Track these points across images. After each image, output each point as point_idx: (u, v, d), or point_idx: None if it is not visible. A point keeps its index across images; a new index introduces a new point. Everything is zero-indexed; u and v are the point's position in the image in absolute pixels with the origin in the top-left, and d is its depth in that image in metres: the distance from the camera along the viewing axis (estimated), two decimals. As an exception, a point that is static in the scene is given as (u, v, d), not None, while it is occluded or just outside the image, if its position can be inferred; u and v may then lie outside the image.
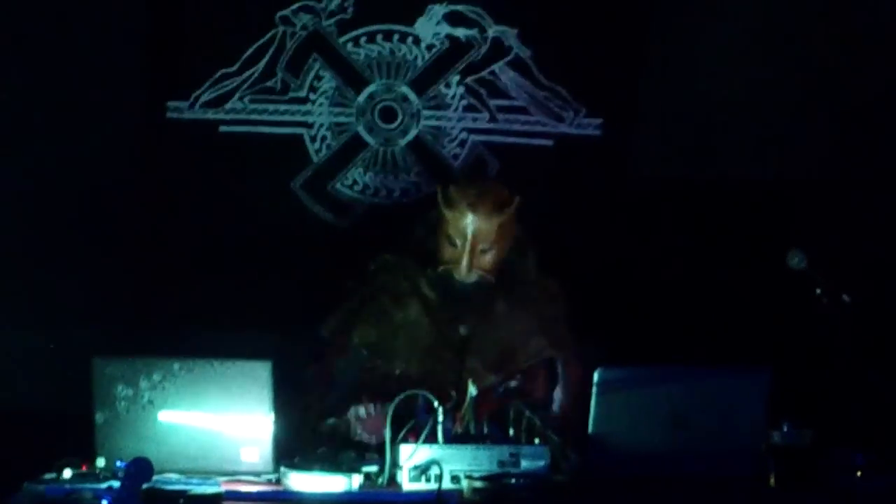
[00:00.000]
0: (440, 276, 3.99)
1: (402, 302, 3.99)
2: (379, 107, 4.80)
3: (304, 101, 4.77)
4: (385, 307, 4.00)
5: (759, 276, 4.57)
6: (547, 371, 4.03)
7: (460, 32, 4.79)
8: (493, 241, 3.98)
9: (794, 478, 3.45)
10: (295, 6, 4.74)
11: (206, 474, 3.45)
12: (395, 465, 3.46)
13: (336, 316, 4.03)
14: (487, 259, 3.99)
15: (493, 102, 4.81)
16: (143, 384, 3.53)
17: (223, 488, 3.32)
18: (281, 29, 4.76)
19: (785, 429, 3.47)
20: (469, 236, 3.97)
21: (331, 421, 3.84)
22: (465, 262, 3.96)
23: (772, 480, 3.46)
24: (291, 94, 4.77)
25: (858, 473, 3.55)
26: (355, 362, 3.96)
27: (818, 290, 3.75)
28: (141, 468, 3.01)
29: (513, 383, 3.96)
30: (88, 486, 3.31)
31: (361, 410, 3.75)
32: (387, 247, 4.12)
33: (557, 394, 3.98)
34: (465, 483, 3.38)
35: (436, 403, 3.51)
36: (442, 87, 4.81)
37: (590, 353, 4.04)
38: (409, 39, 4.78)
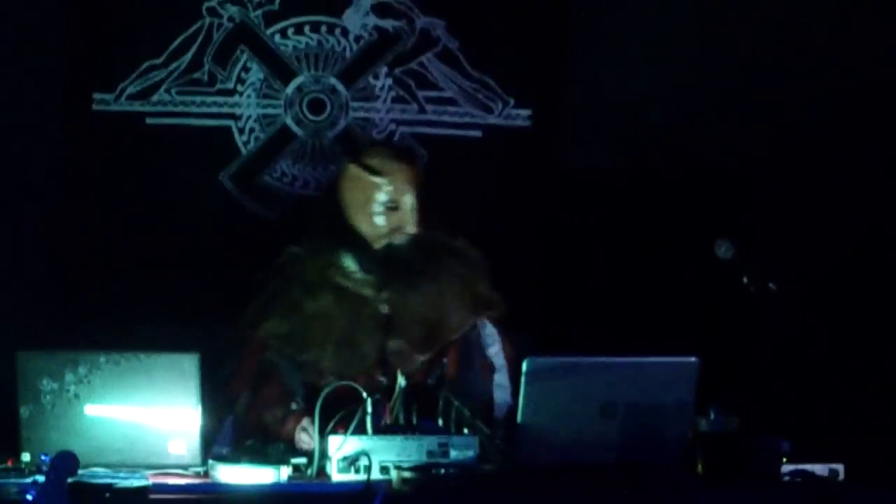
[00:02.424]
0: (381, 252, 3.94)
1: (313, 292, 3.95)
2: (307, 98, 4.78)
3: (232, 92, 4.75)
4: (295, 299, 3.94)
5: (687, 264, 4.60)
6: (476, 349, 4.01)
7: (388, 24, 4.78)
8: (420, 193, 3.97)
9: (720, 464, 3.47)
10: (222, -3, 4.73)
11: (133, 468, 3.42)
12: (323, 456, 3.46)
13: (247, 311, 3.98)
14: (420, 215, 3.97)
15: (421, 94, 4.81)
16: (69, 378, 3.50)
17: (150, 481, 3.30)
18: (208, 20, 4.73)
19: (712, 416, 3.50)
20: (411, 191, 3.95)
21: (268, 419, 3.81)
22: (412, 218, 3.93)
23: (699, 467, 3.49)
24: (219, 86, 4.74)
25: (784, 460, 3.58)
26: (283, 355, 3.93)
27: (745, 279, 3.78)
28: (66, 462, 2.97)
29: (439, 370, 3.94)
30: (13, 480, 3.28)
31: (305, 422, 3.72)
32: (295, 240, 4.08)
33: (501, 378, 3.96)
34: (394, 474, 3.38)
35: (364, 394, 3.51)
36: (370, 79, 4.80)
37: (518, 342, 4.05)
38: (337, 31, 4.77)
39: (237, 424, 3.88)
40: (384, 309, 3.94)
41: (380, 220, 3.96)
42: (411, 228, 3.95)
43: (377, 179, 3.97)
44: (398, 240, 3.95)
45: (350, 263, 3.95)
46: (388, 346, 3.88)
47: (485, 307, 4.01)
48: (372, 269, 3.95)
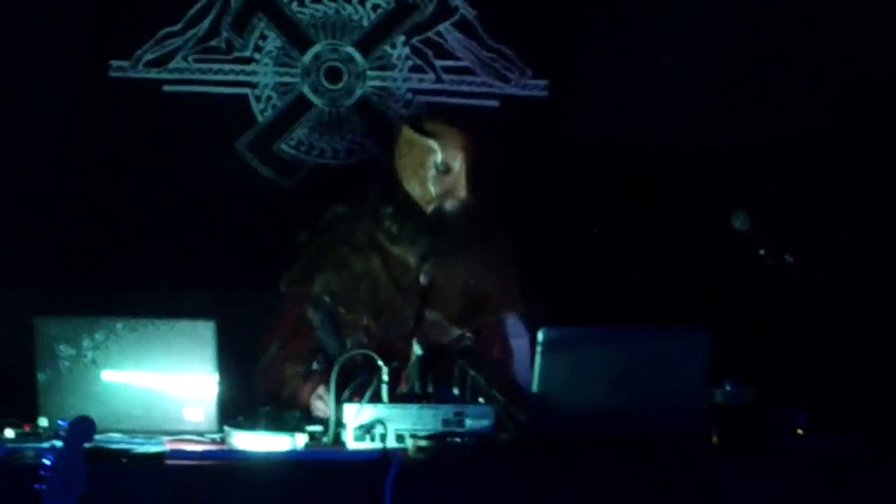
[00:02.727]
0: (432, 216, 3.96)
1: (361, 253, 3.99)
2: (324, 67, 4.77)
3: (249, 60, 4.74)
4: (344, 257, 3.99)
5: (704, 237, 4.59)
6: (500, 336, 4.03)
7: (406, -8, 4.77)
8: (472, 163, 4.01)
9: (735, 436, 3.47)
10: (239, -36, 4.72)
11: (150, 433, 3.44)
12: (339, 424, 3.46)
13: (294, 267, 4.01)
14: (471, 184, 4.00)
15: (438, 63, 4.80)
16: (86, 343, 3.51)
17: (167, 447, 3.31)
18: (225, -13, 4.73)
19: (727, 387, 3.50)
20: (464, 155, 3.98)
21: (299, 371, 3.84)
22: (464, 181, 3.97)
23: (714, 439, 3.49)
24: (236, 54, 4.74)
25: (800, 431, 3.58)
26: (325, 312, 3.94)
27: (762, 251, 3.77)
28: (83, 427, 2.98)
29: (468, 342, 3.95)
30: (31, 445, 3.30)
31: (321, 390, 3.74)
32: (336, 203, 4.10)
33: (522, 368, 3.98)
34: (409, 442, 3.39)
35: (380, 362, 3.51)
36: (387, 48, 4.79)
37: (534, 313, 4.05)
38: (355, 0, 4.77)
39: (259, 378, 3.89)
40: (424, 279, 3.96)
41: (432, 183, 3.99)
42: (462, 192, 3.97)
43: (430, 142, 4.00)
44: (449, 205, 3.98)
45: (399, 229, 3.97)
46: (425, 315, 3.89)
47: (517, 300, 4.05)
48: (418, 237, 3.97)
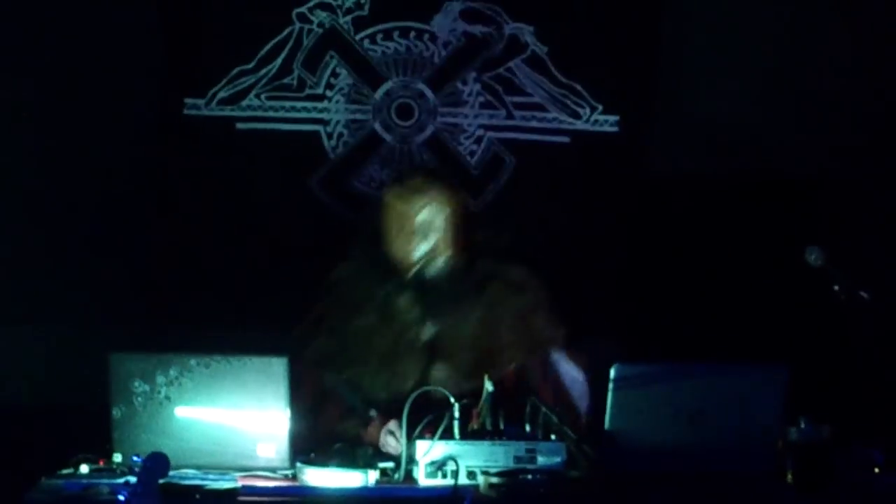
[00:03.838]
0: (415, 279, 3.90)
1: (358, 311, 3.92)
2: (395, 104, 4.80)
3: (321, 98, 4.78)
4: (341, 317, 3.93)
5: (777, 272, 4.56)
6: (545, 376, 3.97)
7: (477, 29, 4.79)
8: (461, 219, 3.91)
9: (811, 474, 3.43)
10: (312, 3, 4.76)
11: (223, 469, 3.45)
12: (411, 460, 3.46)
13: (295, 331, 3.95)
14: (459, 241, 3.91)
15: (509, 99, 4.81)
16: (160, 380, 3.53)
17: (239, 483, 3.32)
18: (298, 26, 4.76)
19: (802, 425, 3.46)
20: (441, 219, 3.88)
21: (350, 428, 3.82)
22: (443, 246, 3.88)
23: (789, 477, 3.45)
24: (308, 91, 4.78)
25: (876, 470, 3.53)
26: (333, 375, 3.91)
27: (836, 287, 3.73)
28: (158, 463, 3.01)
29: (530, 381, 3.90)
30: (105, 480, 3.31)
31: (392, 424, 3.72)
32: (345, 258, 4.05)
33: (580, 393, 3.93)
34: (481, 479, 3.37)
35: (451, 399, 3.51)
36: (458, 84, 4.81)
37: (607, 348, 4.03)
38: (426, 36, 4.79)
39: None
40: (427, 335, 3.92)
41: (410, 248, 3.89)
42: (443, 253, 3.90)
43: (405, 206, 3.91)
44: (432, 269, 3.90)
45: (391, 289, 3.94)
46: (432, 372, 3.85)
47: (542, 341, 3.95)
48: (410, 298, 3.92)
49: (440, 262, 3.91)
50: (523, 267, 3.99)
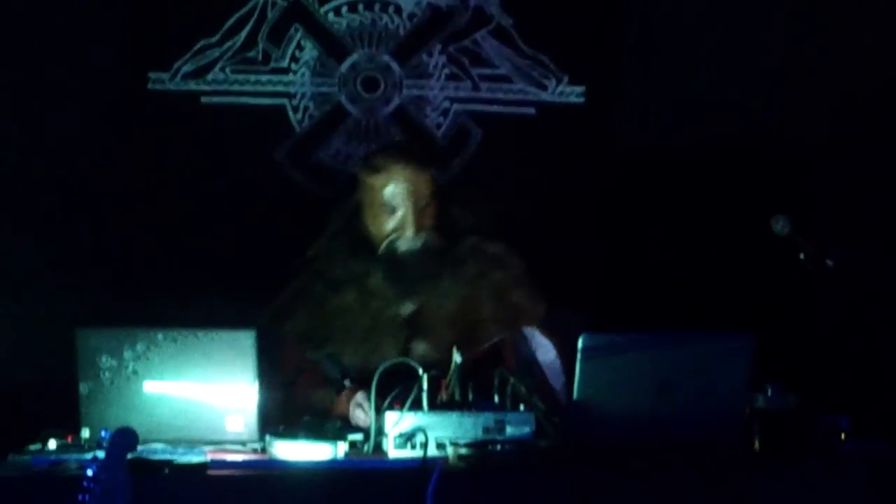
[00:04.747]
0: (385, 254, 3.93)
1: (336, 289, 3.94)
2: (361, 77, 4.78)
3: (286, 71, 4.76)
4: (318, 295, 3.95)
5: (744, 241, 4.58)
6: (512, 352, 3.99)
7: (441, 1, 4.77)
8: (430, 193, 3.95)
9: (778, 442, 3.46)
10: (276, -25, 4.73)
11: (192, 443, 3.44)
12: (380, 432, 3.47)
13: (272, 306, 3.98)
14: (429, 216, 3.95)
15: (475, 71, 4.80)
16: (127, 355, 3.52)
17: (209, 457, 3.32)
18: (262, -1, 4.75)
19: (769, 393, 3.48)
20: (408, 193, 3.92)
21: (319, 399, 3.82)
22: (410, 220, 3.91)
23: (756, 444, 3.47)
24: (273, 65, 4.75)
25: (843, 437, 3.56)
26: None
27: (802, 256, 3.75)
28: (126, 438, 2.99)
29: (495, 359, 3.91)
30: (73, 456, 3.31)
31: (360, 397, 3.73)
32: (321, 234, 4.07)
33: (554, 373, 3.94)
34: (450, 450, 3.38)
35: (420, 371, 3.51)
36: (424, 56, 4.80)
37: (574, 319, 4.04)
38: (391, 8, 4.77)
39: (288, 405, 3.87)
40: (406, 311, 3.94)
41: (381, 223, 3.94)
42: (410, 232, 3.92)
43: (374, 180, 3.94)
44: (403, 244, 3.93)
45: (367, 266, 3.95)
46: (412, 347, 3.88)
47: (521, 317, 3.98)
48: (387, 274, 3.94)
49: (411, 236, 3.92)
50: (501, 242, 4.01)
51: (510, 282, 3.99)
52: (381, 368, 3.56)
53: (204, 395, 3.52)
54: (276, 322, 3.94)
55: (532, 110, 4.81)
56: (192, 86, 4.71)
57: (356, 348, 3.88)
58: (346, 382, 3.79)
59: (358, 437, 3.52)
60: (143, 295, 4.59)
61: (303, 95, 4.77)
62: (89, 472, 2.88)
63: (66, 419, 3.51)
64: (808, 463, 3.42)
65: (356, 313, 3.92)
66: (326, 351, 3.84)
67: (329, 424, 3.55)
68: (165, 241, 4.67)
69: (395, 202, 3.92)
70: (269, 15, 4.74)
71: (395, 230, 3.94)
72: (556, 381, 3.92)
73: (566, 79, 4.80)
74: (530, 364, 3.95)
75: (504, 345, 3.96)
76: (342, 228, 4.03)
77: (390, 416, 3.44)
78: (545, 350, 3.97)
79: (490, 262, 4.00)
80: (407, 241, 3.93)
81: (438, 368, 3.58)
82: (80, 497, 2.85)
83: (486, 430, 3.44)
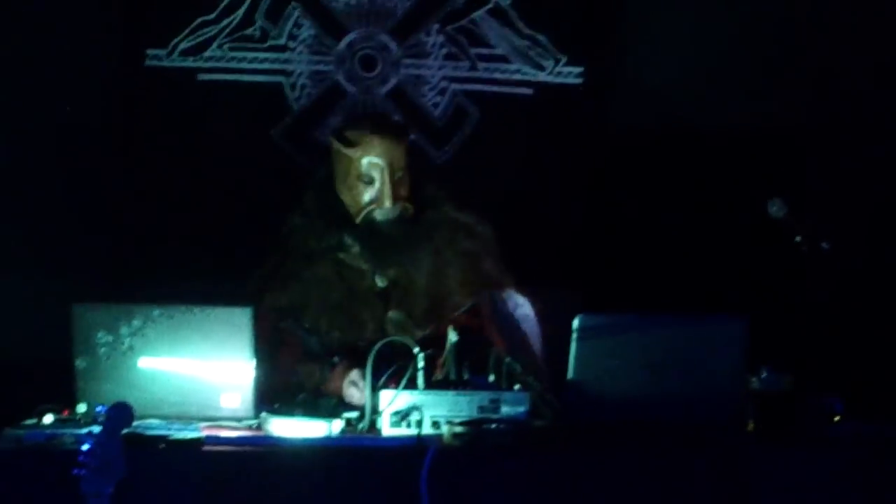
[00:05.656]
0: (363, 225, 3.94)
1: (312, 261, 3.95)
2: (359, 55, 4.78)
3: (284, 49, 4.76)
4: (295, 268, 3.95)
5: (740, 223, 4.58)
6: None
7: (440, -20, 4.77)
8: (405, 165, 3.96)
9: (772, 423, 3.46)
10: (274, -47, 4.72)
11: (187, 420, 3.45)
12: (375, 411, 3.47)
13: (248, 285, 3.98)
14: (403, 187, 3.96)
15: (473, 51, 4.80)
16: (123, 330, 3.52)
17: (204, 433, 3.32)
18: (260, -24, 4.74)
19: (764, 374, 3.49)
20: (384, 164, 3.92)
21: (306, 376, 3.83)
22: (387, 191, 3.92)
23: (750, 426, 3.48)
24: (270, 42, 4.75)
25: (836, 419, 3.57)
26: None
27: (798, 238, 3.76)
28: (121, 413, 3.00)
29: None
30: (69, 431, 3.31)
31: (354, 375, 3.74)
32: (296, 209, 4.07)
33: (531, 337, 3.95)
34: (445, 428, 3.39)
35: (416, 349, 3.52)
36: (422, 36, 4.79)
37: (569, 300, 4.04)
38: (389, -13, 4.77)
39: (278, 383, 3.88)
40: (382, 282, 3.95)
41: (357, 194, 3.95)
42: (388, 202, 3.93)
43: (350, 152, 3.95)
44: (379, 214, 3.94)
45: (342, 237, 3.96)
46: (388, 317, 3.89)
47: (492, 285, 3.99)
48: (360, 244, 3.95)
49: (388, 208, 3.92)
50: (471, 213, 4.03)
51: (480, 250, 4.01)
52: (376, 347, 3.57)
53: (199, 371, 3.53)
54: (255, 296, 3.94)
55: (529, 91, 4.81)
56: (190, 63, 4.71)
57: (333, 319, 3.89)
58: (335, 360, 3.79)
59: (353, 414, 3.52)
60: (139, 271, 4.59)
61: (300, 73, 4.76)
62: (85, 447, 2.88)
63: (62, 394, 3.52)
64: (801, 444, 3.43)
65: (333, 284, 3.93)
66: (300, 323, 3.85)
67: (324, 402, 3.56)
68: (162, 217, 4.67)
69: (373, 173, 3.93)
70: (267, -8, 4.73)
71: (372, 201, 3.95)
72: (535, 337, 3.93)
73: (564, 59, 4.80)
74: (510, 320, 3.96)
75: (482, 306, 3.97)
76: (316, 200, 4.03)
77: (385, 395, 3.44)
78: (523, 307, 3.98)
79: (460, 230, 4.01)
80: (385, 212, 3.94)
81: (434, 347, 3.58)
82: (75, 471, 2.86)
83: (481, 409, 3.45)
